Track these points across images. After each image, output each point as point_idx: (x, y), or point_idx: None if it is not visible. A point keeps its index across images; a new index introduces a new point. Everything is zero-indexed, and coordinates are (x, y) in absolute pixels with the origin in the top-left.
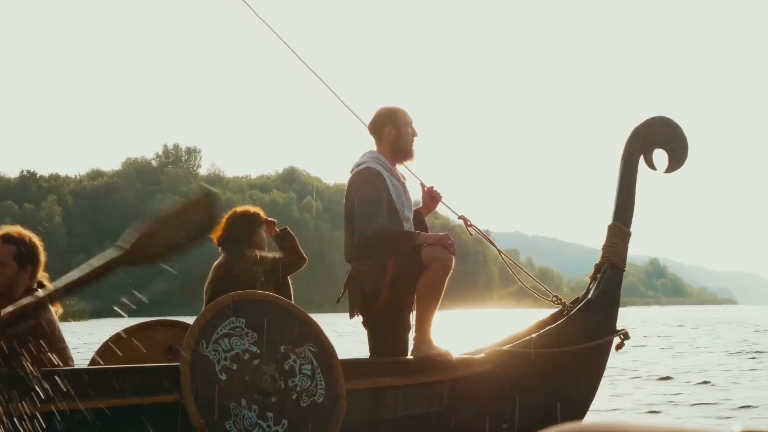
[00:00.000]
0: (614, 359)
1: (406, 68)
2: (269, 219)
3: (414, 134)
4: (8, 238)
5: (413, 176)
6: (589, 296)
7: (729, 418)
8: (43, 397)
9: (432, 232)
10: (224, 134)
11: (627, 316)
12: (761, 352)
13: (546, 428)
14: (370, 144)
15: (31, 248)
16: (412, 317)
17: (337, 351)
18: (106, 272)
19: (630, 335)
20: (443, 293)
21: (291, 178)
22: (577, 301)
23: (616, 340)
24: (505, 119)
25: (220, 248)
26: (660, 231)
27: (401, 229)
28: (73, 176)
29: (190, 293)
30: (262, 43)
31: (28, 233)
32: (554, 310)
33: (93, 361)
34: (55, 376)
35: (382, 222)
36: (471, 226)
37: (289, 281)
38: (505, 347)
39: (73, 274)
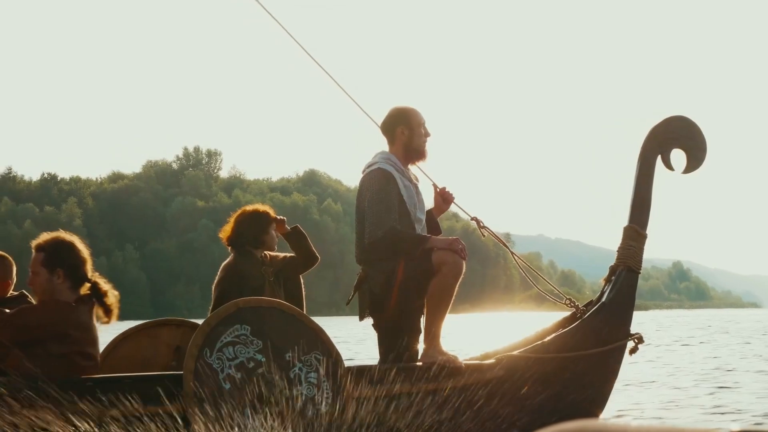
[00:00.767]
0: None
1: (428, 68)
2: (279, 217)
3: (427, 134)
4: (38, 247)
5: (426, 177)
6: (603, 299)
7: (729, 416)
8: (49, 404)
9: (453, 235)
10: (245, 137)
11: (649, 320)
12: None
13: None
14: (385, 144)
15: (56, 251)
16: (423, 321)
17: (360, 348)
18: None
19: (644, 339)
20: (454, 297)
21: (311, 181)
22: (591, 304)
23: (630, 344)
24: (531, 122)
25: (229, 248)
26: (684, 234)
27: (412, 232)
28: (94, 179)
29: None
30: (281, 45)
31: (60, 236)
32: (570, 313)
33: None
34: (57, 384)
35: (393, 224)
36: (484, 227)
37: (301, 281)
38: (515, 352)
39: None
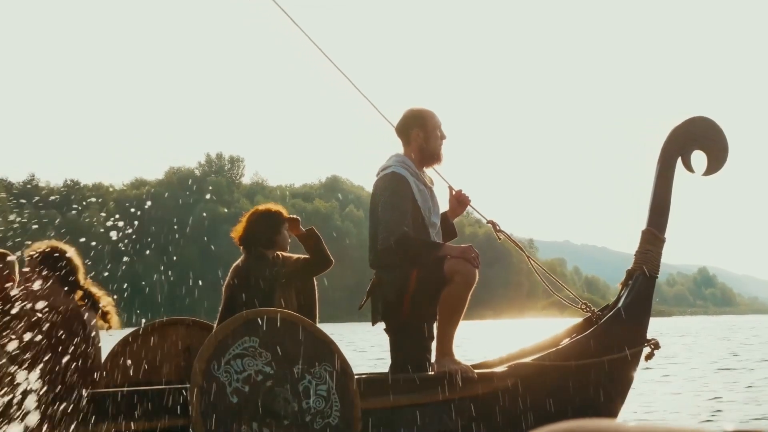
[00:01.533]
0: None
1: (453, 70)
2: (292, 217)
3: (443, 137)
4: (31, 255)
5: (442, 179)
6: (620, 304)
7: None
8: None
9: (476, 240)
10: (267, 143)
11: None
12: None
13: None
14: (401, 147)
15: (45, 260)
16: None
17: (374, 353)
18: None
19: (661, 344)
20: (467, 306)
21: (333, 187)
22: (607, 308)
23: (647, 349)
24: (560, 128)
25: (241, 248)
26: (711, 240)
27: (425, 239)
28: (117, 185)
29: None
30: (302, 50)
31: (50, 245)
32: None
33: (107, 359)
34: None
35: (406, 230)
36: (500, 231)
37: (315, 283)
38: (528, 359)
39: None
